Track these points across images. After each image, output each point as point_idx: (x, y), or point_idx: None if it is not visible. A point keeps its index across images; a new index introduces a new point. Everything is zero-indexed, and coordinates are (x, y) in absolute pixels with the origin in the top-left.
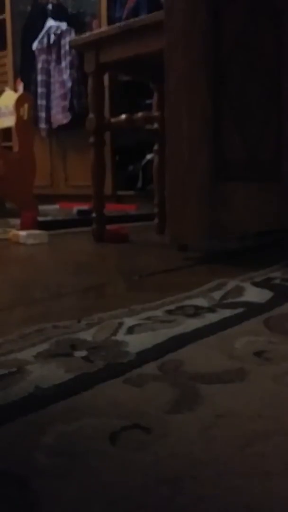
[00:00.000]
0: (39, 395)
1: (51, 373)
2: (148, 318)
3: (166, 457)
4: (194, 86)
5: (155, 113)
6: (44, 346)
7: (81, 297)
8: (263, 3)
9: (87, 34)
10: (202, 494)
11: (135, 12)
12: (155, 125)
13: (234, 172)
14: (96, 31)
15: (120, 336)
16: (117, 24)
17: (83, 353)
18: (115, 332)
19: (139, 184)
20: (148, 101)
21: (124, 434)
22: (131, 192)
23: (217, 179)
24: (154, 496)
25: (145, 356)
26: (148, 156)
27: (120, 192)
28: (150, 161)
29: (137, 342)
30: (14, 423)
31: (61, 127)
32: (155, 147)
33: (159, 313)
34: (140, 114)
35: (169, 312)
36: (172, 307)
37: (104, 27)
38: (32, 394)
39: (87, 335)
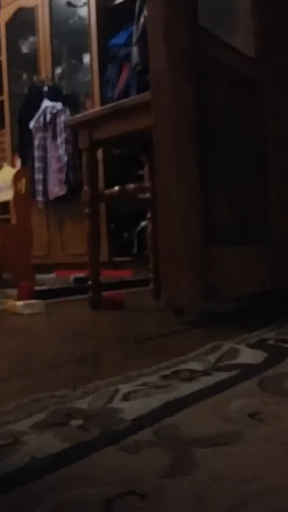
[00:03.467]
0: (35, 465)
1: (47, 443)
2: (144, 384)
3: None
4: (182, 157)
5: (147, 183)
6: (40, 416)
7: (77, 366)
8: (244, 77)
9: (81, 114)
10: None
11: (125, 92)
12: (147, 194)
13: (224, 236)
14: (88, 111)
15: (116, 403)
16: (108, 105)
17: (79, 421)
18: (110, 400)
19: (135, 250)
20: (140, 172)
21: (119, 501)
22: (127, 258)
23: (207, 244)
24: None
25: (140, 423)
26: (143, 223)
27: (116, 259)
28: (144, 228)
29: (132, 409)
30: (10, 494)
31: (58, 199)
32: (148, 215)
33: (154, 378)
34: (132, 185)
35: (165, 377)
36: (167, 372)
37: (97, 106)
38: (28, 465)
39: (83, 404)
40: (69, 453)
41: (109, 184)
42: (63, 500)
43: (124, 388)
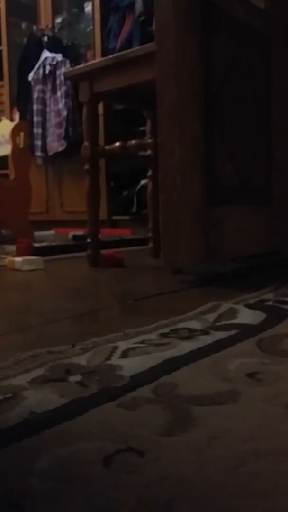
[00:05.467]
0: (34, 421)
1: (46, 399)
2: (143, 342)
3: (159, 479)
4: (185, 114)
5: (148, 140)
6: (39, 371)
7: (76, 322)
8: (251, 31)
9: (81, 65)
10: None
11: (128, 43)
12: (149, 152)
13: (226, 197)
14: (89, 62)
15: (115, 360)
16: (110, 56)
17: (78, 378)
18: (109, 356)
19: (134, 209)
20: (141, 128)
21: (118, 458)
22: (126, 217)
23: (209, 203)
24: None
25: (139, 380)
26: (142, 182)
27: (115, 217)
28: (144, 186)
29: (131, 366)
30: (8, 448)
31: (57, 155)
32: (149, 172)
33: (153, 336)
34: (133, 142)
35: (163, 335)
36: (166, 330)
37: (98, 58)
38: (26, 420)
39: (81, 360)
40: (67, 408)
41: (109, 141)
42: (62, 456)
43: (123, 345)
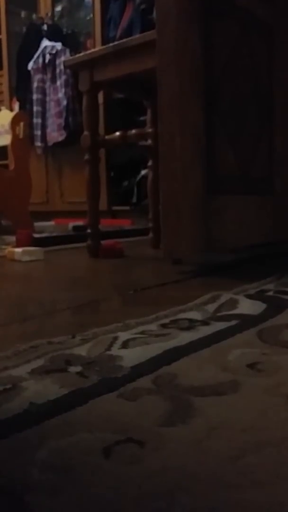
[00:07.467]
0: (34, 411)
1: (46, 389)
2: (143, 332)
3: (159, 470)
4: (186, 103)
5: (149, 129)
6: (39, 362)
7: (76, 313)
8: (253, 19)
9: (81, 54)
10: (195, 506)
11: (128, 32)
12: (149, 141)
13: (227, 187)
14: (89, 51)
15: (115, 351)
16: (111, 44)
17: (78, 368)
18: (109, 347)
19: (134, 199)
20: (142, 118)
21: (118, 448)
22: (126, 207)
23: (210, 194)
24: (147, 510)
25: (139, 370)
26: (143, 172)
27: (115, 208)
28: (145, 177)
29: (131, 356)
30: (8, 439)
31: (57, 145)
32: (149, 163)
33: (153, 327)
34: (134, 131)
35: (163, 325)
36: (166, 320)
37: (98, 47)
38: (26, 410)
39: (81, 351)
40: (67, 399)
41: (109, 131)
42: (62, 446)
43: (123, 336)
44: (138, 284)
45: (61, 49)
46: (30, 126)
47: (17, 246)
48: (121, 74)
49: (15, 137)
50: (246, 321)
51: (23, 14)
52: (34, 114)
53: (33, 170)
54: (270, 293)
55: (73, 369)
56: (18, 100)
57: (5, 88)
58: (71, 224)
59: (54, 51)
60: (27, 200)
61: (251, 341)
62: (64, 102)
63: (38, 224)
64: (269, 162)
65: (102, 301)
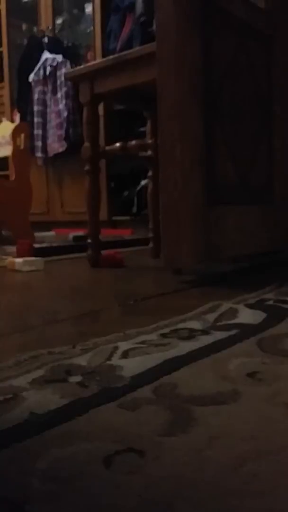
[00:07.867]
0: (34, 421)
1: (46, 399)
2: (143, 342)
3: (160, 479)
4: (186, 113)
5: (149, 140)
6: (39, 372)
7: (76, 323)
8: (252, 29)
9: (82, 66)
10: None
11: (128, 44)
12: (149, 152)
13: (227, 196)
14: (90, 63)
15: (115, 361)
16: (111, 57)
17: (78, 378)
18: (110, 357)
19: (134, 209)
20: (142, 129)
21: (118, 458)
22: (126, 218)
23: (209, 203)
24: None
25: (139, 380)
26: (143, 182)
27: (115, 218)
28: (145, 187)
29: (131, 366)
30: (9, 449)
31: (57, 156)
32: (149, 173)
33: (153, 336)
34: (134, 142)
35: (164, 335)
36: (166, 330)
37: (99, 59)
38: (27, 420)
39: (82, 360)
40: (68, 409)
41: (109, 142)
42: (62, 456)
43: (123, 346)
44: (138, 294)
45: (61, 61)
46: (31, 137)
47: (18, 256)
48: (121, 85)
49: (16, 148)
50: (246, 331)
51: (24, 26)
52: (35, 125)
53: (33, 180)
54: (270, 302)
55: (74, 379)
56: (19, 111)
57: (6, 99)
58: (72, 234)
59: (55, 63)
60: (28, 211)
61: (251, 350)
62: (65, 114)
63: (38, 234)
64: (268, 170)
65: (102, 311)
